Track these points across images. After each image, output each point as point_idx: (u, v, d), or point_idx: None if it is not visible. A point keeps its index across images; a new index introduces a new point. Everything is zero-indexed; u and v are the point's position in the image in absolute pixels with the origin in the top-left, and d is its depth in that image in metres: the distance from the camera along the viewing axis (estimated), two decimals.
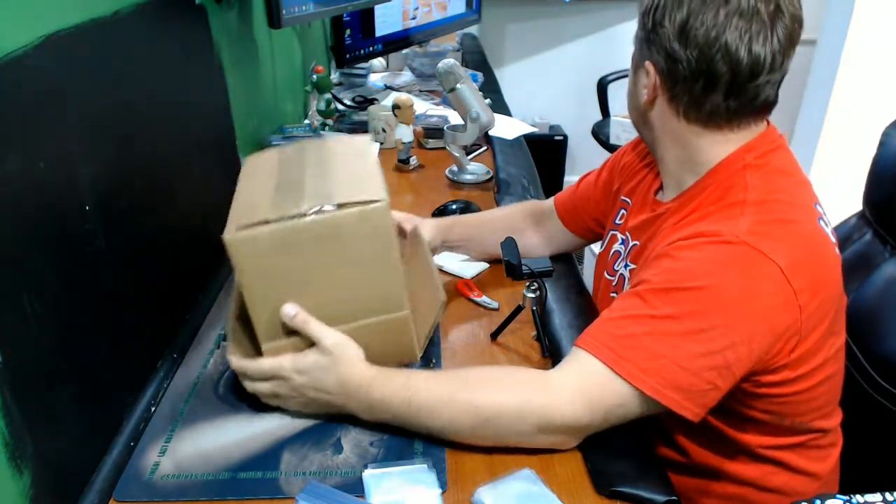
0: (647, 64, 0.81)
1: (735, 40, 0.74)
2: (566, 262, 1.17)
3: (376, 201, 0.71)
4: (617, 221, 1.02)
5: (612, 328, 0.74)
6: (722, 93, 0.77)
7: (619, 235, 1.00)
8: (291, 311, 0.75)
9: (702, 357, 0.71)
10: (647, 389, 0.70)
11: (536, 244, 1.16)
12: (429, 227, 1.11)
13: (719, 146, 0.81)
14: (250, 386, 0.80)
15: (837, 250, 0.80)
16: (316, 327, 0.76)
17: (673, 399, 0.71)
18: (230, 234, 0.70)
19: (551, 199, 1.18)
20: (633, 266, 0.92)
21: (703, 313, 0.71)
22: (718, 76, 0.76)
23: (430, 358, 0.89)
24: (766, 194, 0.77)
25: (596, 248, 2.41)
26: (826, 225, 0.80)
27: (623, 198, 1.02)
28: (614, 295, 0.96)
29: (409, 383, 0.75)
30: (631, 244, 0.93)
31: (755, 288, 0.71)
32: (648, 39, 0.80)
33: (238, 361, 0.79)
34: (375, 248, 0.73)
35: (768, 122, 0.84)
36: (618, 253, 0.99)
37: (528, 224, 1.17)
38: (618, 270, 0.98)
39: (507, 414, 0.73)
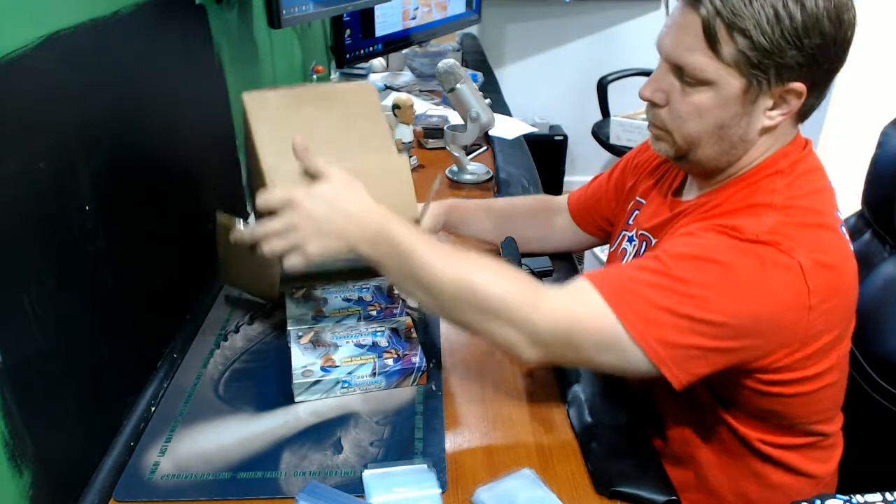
0: (797, 86, 0.73)
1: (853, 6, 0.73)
2: (567, 262, 1.17)
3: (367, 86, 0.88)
4: (629, 222, 1.01)
5: (619, 272, 0.75)
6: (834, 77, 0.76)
7: (629, 234, 1.00)
8: (303, 142, 0.78)
9: (699, 323, 0.70)
10: (634, 334, 0.70)
11: (540, 237, 1.16)
12: (432, 208, 1.11)
13: (769, 149, 0.80)
14: (264, 228, 0.78)
15: (855, 261, 0.79)
16: (324, 163, 0.78)
17: (656, 352, 0.70)
18: (247, 93, 0.81)
19: (564, 196, 1.18)
20: None
21: (712, 285, 0.71)
22: (845, 60, 0.75)
23: (430, 358, 0.89)
24: (791, 200, 0.76)
25: (597, 250, 2.40)
26: (846, 233, 0.79)
27: (638, 198, 1.01)
28: None
29: (416, 230, 0.77)
30: (654, 243, 0.92)
31: (769, 276, 0.71)
32: (800, 61, 0.72)
33: (259, 200, 0.78)
34: (364, 109, 0.87)
35: None
36: (625, 251, 0.99)
37: (535, 217, 1.17)
38: None
39: (494, 295, 0.73)
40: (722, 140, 0.79)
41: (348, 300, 0.98)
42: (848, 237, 0.79)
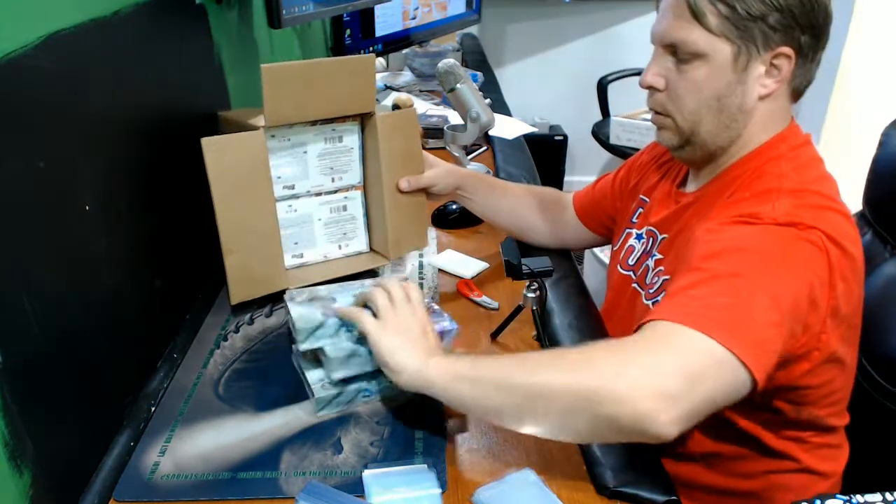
0: (785, 49, 0.77)
1: None
2: (567, 262, 1.17)
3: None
4: (633, 220, 1.02)
5: (679, 301, 0.70)
6: (821, 53, 0.79)
7: (635, 232, 1.00)
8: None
9: (765, 311, 0.68)
10: (732, 347, 0.64)
11: (550, 229, 1.17)
12: (443, 170, 1.11)
13: (767, 128, 0.82)
14: (384, 281, 0.82)
15: (862, 248, 0.80)
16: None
17: (747, 354, 0.64)
18: (266, 64, 0.91)
19: (569, 194, 1.19)
20: (660, 256, 0.92)
21: (758, 269, 0.70)
22: (826, 35, 0.78)
23: None
24: (799, 184, 0.78)
25: (597, 250, 2.41)
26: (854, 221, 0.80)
27: (641, 196, 1.02)
28: (636, 286, 0.97)
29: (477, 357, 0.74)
30: (660, 238, 0.94)
31: (802, 253, 0.71)
32: (782, 23, 0.75)
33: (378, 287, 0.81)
34: (352, 78, 0.99)
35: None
36: (632, 248, 1.00)
37: (549, 208, 1.18)
38: (635, 265, 0.98)
39: (607, 377, 0.64)
40: (721, 112, 0.81)
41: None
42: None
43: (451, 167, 1.16)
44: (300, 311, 0.82)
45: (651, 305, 0.90)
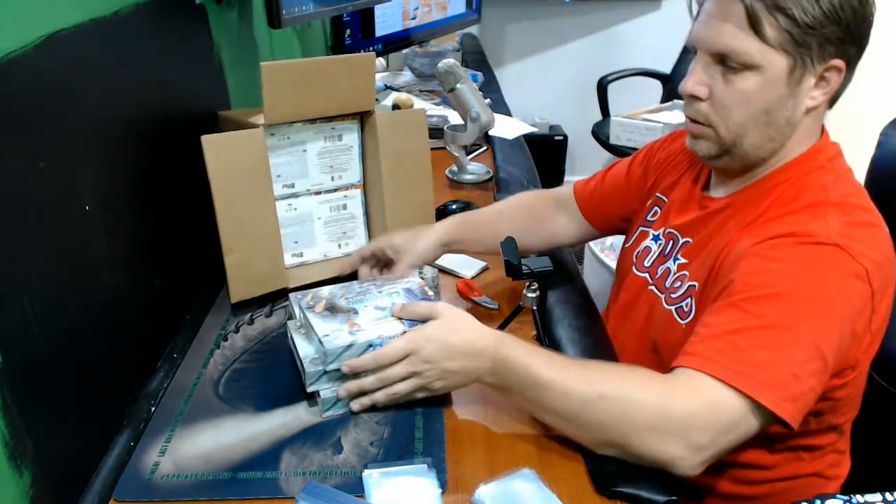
0: (837, 62, 0.75)
1: None
2: (567, 262, 1.17)
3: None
4: (648, 219, 0.99)
5: (718, 346, 0.70)
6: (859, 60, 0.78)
7: (652, 232, 0.97)
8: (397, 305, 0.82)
9: (807, 362, 0.69)
10: (766, 402, 0.67)
11: (536, 242, 1.11)
12: (417, 251, 1.02)
13: (807, 138, 0.81)
14: (386, 374, 0.77)
15: None
16: (424, 305, 0.79)
17: (788, 411, 0.68)
18: (266, 62, 0.91)
19: (569, 189, 1.13)
20: (684, 261, 0.90)
21: (805, 317, 0.70)
22: (867, 42, 0.77)
23: None
24: (843, 197, 0.77)
25: (596, 247, 2.38)
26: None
27: (658, 195, 0.99)
28: (653, 288, 0.94)
29: (530, 346, 0.74)
30: (682, 241, 0.91)
31: (847, 290, 0.71)
32: (838, 35, 0.74)
33: (366, 358, 0.77)
34: (352, 76, 1.00)
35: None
36: (648, 249, 0.97)
37: (532, 220, 1.11)
38: (651, 267, 0.96)
39: (633, 403, 0.69)
40: (769, 126, 0.79)
41: (381, 308, 0.85)
42: None
43: (426, 235, 1.03)
44: (325, 330, 0.80)
45: (674, 311, 0.88)
